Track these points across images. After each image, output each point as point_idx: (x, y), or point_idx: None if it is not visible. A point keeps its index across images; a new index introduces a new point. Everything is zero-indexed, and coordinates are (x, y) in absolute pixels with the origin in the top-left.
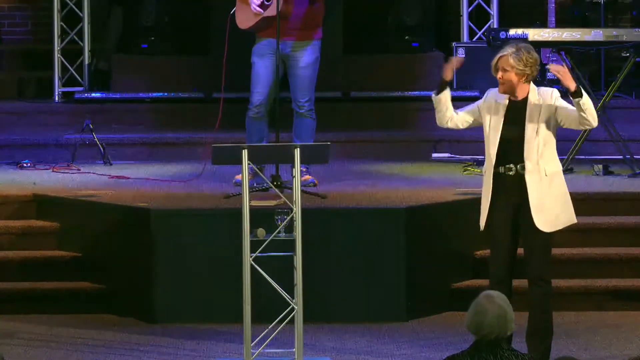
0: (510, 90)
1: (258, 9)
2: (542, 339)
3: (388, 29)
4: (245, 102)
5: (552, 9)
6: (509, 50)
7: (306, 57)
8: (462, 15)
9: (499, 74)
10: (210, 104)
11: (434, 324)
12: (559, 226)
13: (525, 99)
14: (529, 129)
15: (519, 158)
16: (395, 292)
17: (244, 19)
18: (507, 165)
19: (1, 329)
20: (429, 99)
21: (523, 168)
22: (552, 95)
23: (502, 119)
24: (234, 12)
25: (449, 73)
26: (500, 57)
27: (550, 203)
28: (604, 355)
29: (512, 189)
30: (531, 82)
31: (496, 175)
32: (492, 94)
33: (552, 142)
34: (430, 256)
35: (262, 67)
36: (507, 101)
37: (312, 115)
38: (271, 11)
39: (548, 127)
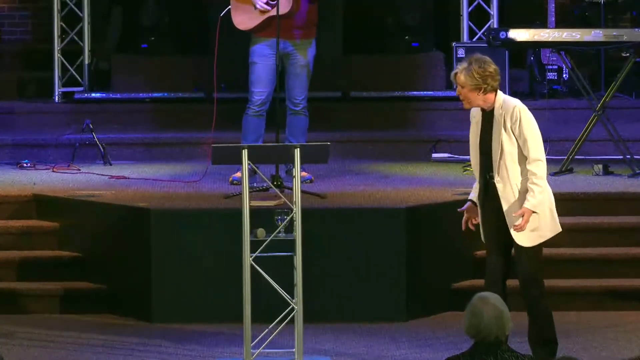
0: (471, 105)
1: (266, 6)
2: (545, 343)
3: (388, 29)
4: (243, 102)
5: (552, 9)
6: (459, 67)
7: (307, 56)
8: (462, 15)
9: (457, 90)
10: (211, 104)
11: (434, 324)
12: (541, 240)
13: (493, 110)
14: (495, 141)
15: (492, 169)
16: (395, 292)
17: (245, 19)
18: (489, 174)
19: (1, 329)
20: (429, 99)
21: (493, 178)
22: (513, 114)
23: (479, 131)
24: (224, 14)
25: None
26: (453, 74)
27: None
28: (604, 355)
29: (493, 198)
30: (498, 92)
31: (484, 183)
32: (472, 109)
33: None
34: (430, 256)
35: (264, 67)
36: (481, 112)
37: (306, 113)
38: (280, 10)
39: (514, 144)
